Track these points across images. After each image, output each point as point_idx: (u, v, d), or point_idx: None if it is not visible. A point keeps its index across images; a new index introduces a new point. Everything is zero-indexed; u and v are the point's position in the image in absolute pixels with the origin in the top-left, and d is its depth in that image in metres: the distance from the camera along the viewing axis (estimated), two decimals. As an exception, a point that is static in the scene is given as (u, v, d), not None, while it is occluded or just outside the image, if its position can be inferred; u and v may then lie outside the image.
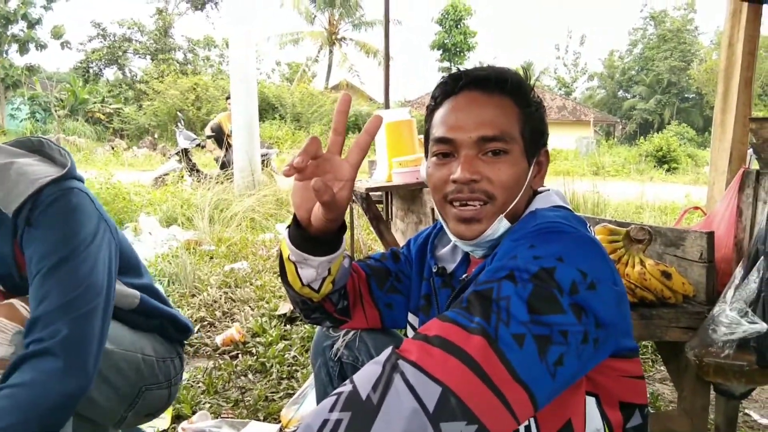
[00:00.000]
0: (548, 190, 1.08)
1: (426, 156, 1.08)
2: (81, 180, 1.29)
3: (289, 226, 1.04)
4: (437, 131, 1.01)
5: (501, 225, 0.98)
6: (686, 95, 42.01)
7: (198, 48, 33.32)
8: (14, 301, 1.13)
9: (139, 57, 32.07)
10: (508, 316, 0.77)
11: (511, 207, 0.99)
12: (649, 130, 36.69)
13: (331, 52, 34.40)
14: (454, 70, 1.06)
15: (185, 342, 1.64)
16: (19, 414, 1.02)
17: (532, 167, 1.02)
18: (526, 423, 0.87)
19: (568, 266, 0.82)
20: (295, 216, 1.01)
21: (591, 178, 10.06)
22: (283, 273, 1.12)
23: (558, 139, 26.42)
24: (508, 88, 1.00)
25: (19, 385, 1.05)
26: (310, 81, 33.43)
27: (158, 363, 1.42)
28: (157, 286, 1.57)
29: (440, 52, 32.86)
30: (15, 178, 1.17)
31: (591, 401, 0.92)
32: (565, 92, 46.33)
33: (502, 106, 0.99)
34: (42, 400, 1.05)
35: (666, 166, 20.04)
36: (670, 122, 36.22)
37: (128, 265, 1.43)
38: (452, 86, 1.02)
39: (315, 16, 33.74)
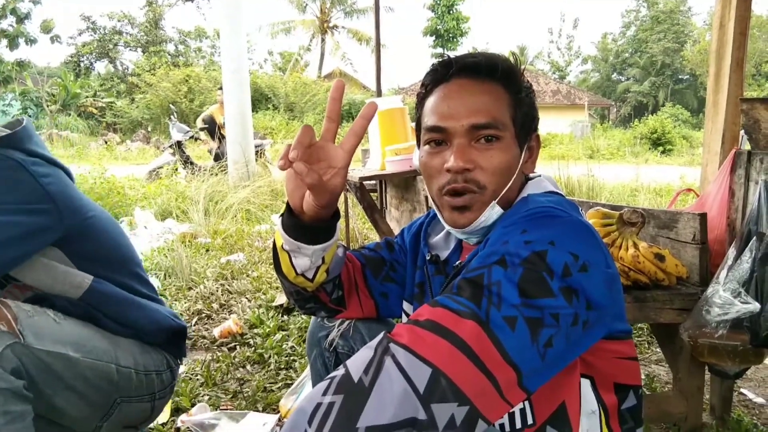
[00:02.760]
0: (539, 175, 1.08)
1: (418, 144, 1.08)
2: (38, 156, 1.30)
3: (282, 215, 1.04)
4: (429, 120, 1.01)
5: (494, 212, 0.99)
6: (680, 77, 41.97)
7: (189, 39, 33.10)
8: None
9: (130, 50, 31.88)
10: (499, 299, 0.77)
11: (503, 193, 0.99)
12: (644, 113, 36.68)
13: (323, 40, 34.23)
14: (445, 56, 1.06)
15: (183, 348, 1.60)
16: None
17: (523, 152, 1.02)
18: (521, 406, 0.88)
19: (560, 250, 0.82)
20: (288, 204, 1.01)
21: (586, 162, 10.06)
22: (277, 263, 1.12)
23: (553, 123, 26.38)
24: (498, 74, 0.99)
25: None
26: (303, 70, 33.29)
27: (138, 375, 1.39)
28: (153, 282, 1.55)
29: (433, 38, 32.71)
30: None
31: (586, 383, 0.92)
32: (559, 76, 46.22)
33: (493, 93, 0.99)
34: None
35: (661, 148, 20.08)
36: (664, 104, 36.24)
37: (109, 257, 1.42)
38: (443, 73, 1.01)
39: (306, 5, 33.53)
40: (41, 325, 1.20)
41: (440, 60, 1.03)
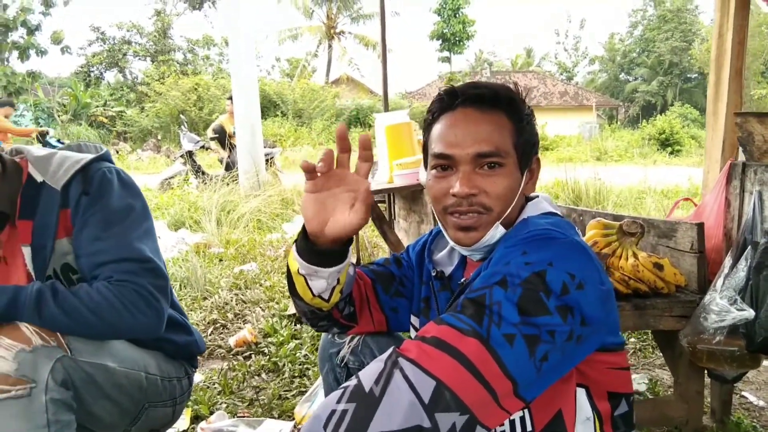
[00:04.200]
0: (537, 196, 1.15)
1: (425, 165, 1.15)
2: None
3: (296, 241, 1.10)
4: (436, 147, 1.07)
5: (497, 231, 1.05)
6: (689, 75, 41.72)
7: (197, 47, 33.29)
8: (19, 323, 1.22)
9: (140, 59, 32.08)
10: (499, 318, 0.85)
11: (506, 215, 1.06)
12: (653, 112, 36.53)
13: (330, 46, 34.38)
14: (450, 86, 1.13)
15: (196, 359, 1.70)
16: (96, 319, 1.26)
17: (524, 176, 1.09)
18: (521, 414, 0.96)
19: (558, 270, 0.90)
20: (303, 231, 1.07)
21: (593, 164, 10.08)
22: (291, 286, 1.17)
23: (560, 125, 26.34)
24: (501, 104, 1.06)
25: (106, 298, 1.27)
26: (311, 76, 33.45)
27: (162, 382, 1.48)
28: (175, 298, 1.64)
29: (439, 42, 32.75)
30: (60, 161, 1.39)
31: (581, 392, 1.00)
32: (566, 77, 46.11)
33: (496, 123, 1.05)
34: (116, 324, 1.29)
35: (669, 149, 20.00)
36: (673, 103, 36.04)
37: None
38: (449, 102, 1.08)
39: (313, 11, 33.71)
40: (84, 338, 1.29)
41: (446, 89, 1.10)
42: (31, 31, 26.43)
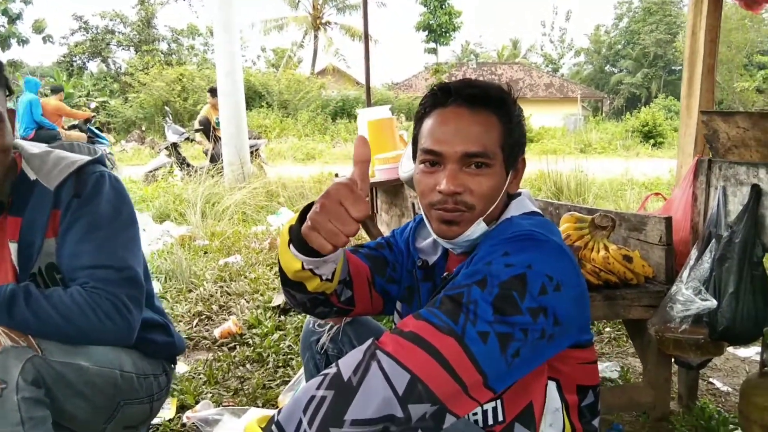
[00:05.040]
0: (520, 194, 1.18)
1: (414, 157, 1.17)
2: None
3: (290, 242, 1.05)
4: (426, 142, 1.10)
5: (479, 228, 1.09)
6: (673, 68, 42.04)
7: (182, 37, 32.93)
8: None
9: (123, 49, 31.67)
10: (475, 316, 0.90)
11: (488, 212, 1.10)
12: (637, 104, 36.77)
13: (316, 36, 34.19)
14: (444, 82, 1.13)
15: (175, 358, 1.70)
16: (66, 325, 1.28)
17: (509, 175, 1.13)
18: (493, 405, 1.02)
19: (537, 272, 0.95)
20: (298, 231, 1.02)
21: (577, 156, 10.18)
22: (290, 283, 1.15)
23: (545, 117, 26.45)
24: (492, 104, 1.09)
25: (78, 305, 1.29)
26: (296, 67, 33.24)
27: (138, 379, 1.48)
28: (155, 285, 1.65)
29: (425, 33, 32.68)
30: (55, 160, 1.40)
31: (552, 385, 1.07)
32: (552, 69, 46.32)
33: (485, 123, 1.08)
34: (86, 331, 1.31)
35: (652, 141, 20.23)
36: (657, 95, 36.33)
37: (145, 268, 1.54)
38: (442, 99, 1.10)
39: (299, 1, 33.51)
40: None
41: (440, 85, 1.12)
42: (12, 19, 26.04)
